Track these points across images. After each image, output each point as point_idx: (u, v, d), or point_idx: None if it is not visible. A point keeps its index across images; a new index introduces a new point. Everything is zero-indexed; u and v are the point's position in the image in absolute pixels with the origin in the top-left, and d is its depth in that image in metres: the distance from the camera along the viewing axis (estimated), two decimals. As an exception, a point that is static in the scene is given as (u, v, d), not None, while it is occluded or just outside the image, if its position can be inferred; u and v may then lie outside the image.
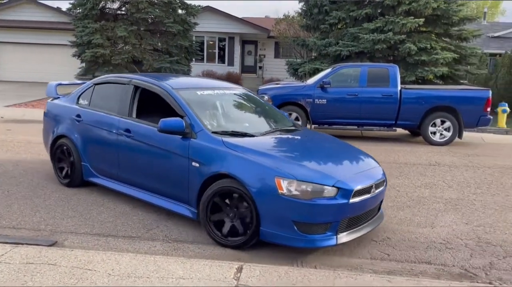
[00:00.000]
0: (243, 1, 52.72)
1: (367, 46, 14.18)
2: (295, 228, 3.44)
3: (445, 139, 9.80)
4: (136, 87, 4.81)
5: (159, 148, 4.25)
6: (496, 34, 23.31)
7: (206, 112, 4.44)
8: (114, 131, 4.71)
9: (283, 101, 10.14)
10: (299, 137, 4.65)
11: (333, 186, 3.49)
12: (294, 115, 10.02)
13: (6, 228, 4.04)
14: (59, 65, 21.00)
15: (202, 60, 23.03)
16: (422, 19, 13.70)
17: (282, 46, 23.93)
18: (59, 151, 5.40)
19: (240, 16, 24.05)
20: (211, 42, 23.93)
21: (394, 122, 9.95)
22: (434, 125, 9.82)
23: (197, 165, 3.89)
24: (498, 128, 12.81)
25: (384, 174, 4.20)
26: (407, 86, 10.68)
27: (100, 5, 16.40)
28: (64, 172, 5.37)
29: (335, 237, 3.54)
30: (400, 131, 11.23)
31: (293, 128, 4.87)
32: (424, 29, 14.80)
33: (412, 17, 13.67)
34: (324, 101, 10.08)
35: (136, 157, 4.53)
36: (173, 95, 4.37)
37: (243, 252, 3.72)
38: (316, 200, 3.43)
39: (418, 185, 6.14)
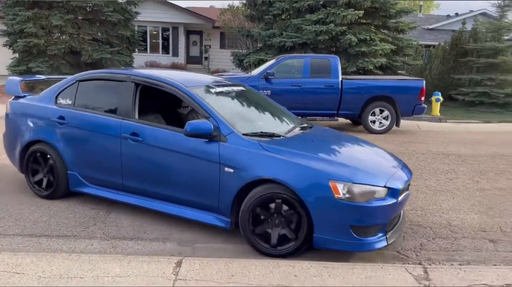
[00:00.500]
0: (187, -10, 51.69)
1: (310, 37, 14.42)
2: (352, 232, 3.32)
3: (384, 127, 10.24)
4: (137, 85, 4.25)
5: (179, 153, 3.81)
6: (431, 27, 24.54)
7: (225, 111, 3.99)
8: (115, 135, 4.13)
9: (228, 93, 10.09)
10: (323, 135, 4.53)
11: (384, 186, 3.43)
12: (239, 106, 10.01)
13: None
14: (-12, 55, 19.54)
15: (145, 50, 22.40)
16: (362, 11, 14.12)
17: (227, 37, 23.78)
18: (33, 159, 4.68)
19: (184, 6, 23.61)
20: (154, 32, 23.30)
21: (336, 112, 10.24)
22: (374, 114, 10.22)
23: (231, 170, 3.57)
24: (432, 116, 13.55)
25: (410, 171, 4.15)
26: (348, 76, 11.00)
27: (33, -8, 15.40)
28: (44, 183, 4.64)
29: (385, 237, 3.48)
30: (342, 120, 11.60)
31: (306, 125, 4.68)
32: (364, 21, 15.27)
33: (352, 9, 14.06)
34: (269, 92, 10.14)
35: (147, 163, 4.01)
36: (190, 94, 3.95)
37: (187, 247, 3.69)
38: (372, 202, 3.34)
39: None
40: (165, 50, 23.45)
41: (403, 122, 10.78)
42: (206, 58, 24.87)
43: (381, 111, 10.21)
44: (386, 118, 10.22)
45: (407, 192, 3.78)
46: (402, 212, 4.00)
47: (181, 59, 23.08)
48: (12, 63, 15.87)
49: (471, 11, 25.05)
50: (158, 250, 3.60)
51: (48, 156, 4.57)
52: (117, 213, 4.33)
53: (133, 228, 4.03)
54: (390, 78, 11.54)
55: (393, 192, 3.46)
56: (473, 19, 19.66)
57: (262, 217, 3.50)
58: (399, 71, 16.53)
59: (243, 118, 4.22)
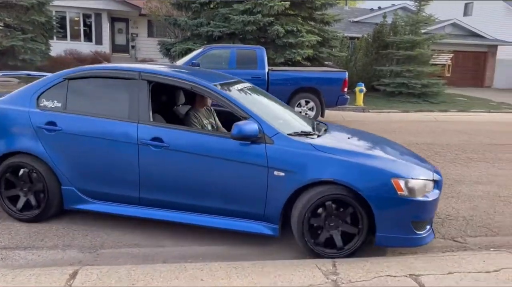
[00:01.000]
0: (114, -25, 49.11)
1: (238, 28, 14.26)
2: (412, 227, 3.35)
3: (310, 118, 10.40)
4: (149, 83, 3.78)
5: (217, 158, 3.47)
6: (356, 19, 25.40)
7: (259, 111, 3.70)
8: (130, 142, 3.61)
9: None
10: (349, 131, 4.44)
11: (432, 179, 3.51)
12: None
13: None
14: None
15: (65, 37, 20.97)
16: (288, 2, 14.18)
17: (155, 25, 22.93)
18: (8, 175, 3.89)
19: (107, -9, 22.34)
20: (76, 18, 21.87)
21: (262, 103, 10.21)
22: (300, 105, 10.34)
23: (282, 174, 3.35)
24: (356, 106, 14.01)
25: None
26: (274, 68, 11.03)
27: None
28: (22, 203, 3.88)
29: (432, 230, 3.57)
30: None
31: (318, 121, 4.58)
32: (291, 12, 15.35)
33: (279, 0, 14.08)
34: (194, 83, 9.87)
35: (174, 172, 3.60)
36: (222, 93, 3.65)
37: (89, 253, 3.40)
38: (427, 195, 3.40)
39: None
40: (88, 37, 22.11)
41: (328, 113, 11.02)
42: (133, 47, 23.83)
43: (307, 102, 10.34)
44: (311, 109, 10.37)
45: None
46: None
47: (105, 47, 21.90)
48: None
49: (393, 5, 26.29)
50: (56, 260, 3.28)
51: (32, 170, 3.83)
52: (11, 220, 3.91)
53: (29, 235, 3.66)
54: (315, 69, 11.73)
55: (437, 185, 3.60)
56: (393, 13, 20.59)
57: (319, 220, 3.38)
58: (327, 63, 16.92)
59: (274, 117, 3.90)
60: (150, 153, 3.58)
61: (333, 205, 3.34)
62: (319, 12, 15.88)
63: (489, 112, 14.69)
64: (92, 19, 21.85)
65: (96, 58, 17.36)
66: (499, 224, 4.42)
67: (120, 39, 24.34)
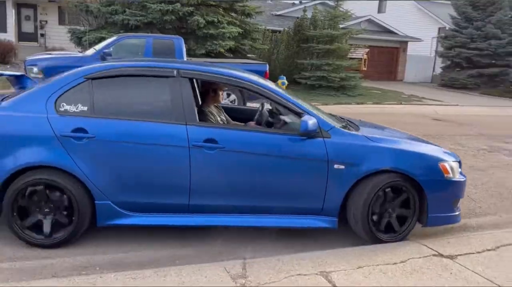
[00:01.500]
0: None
1: (156, 17, 13.66)
2: (452, 206, 3.77)
3: (230, 111, 10.21)
4: (190, 80, 3.57)
5: (277, 156, 3.42)
6: (278, 13, 25.65)
7: (305, 105, 3.77)
8: (180, 145, 3.30)
9: (57, 75, 8.90)
10: (372, 123, 4.74)
11: (458, 161, 3.92)
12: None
13: None
14: None
15: (-40, 23, 18.77)
16: (209, -8, 13.88)
17: (67, 12, 21.30)
18: (27, 195, 3.23)
19: (11, -27, 20.31)
20: (-26, 2, 19.63)
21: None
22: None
23: (342, 167, 3.44)
24: (278, 99, 14.10)
25: None
26: (193, 59, 10.69)
27: None
28: (47, 227, 3.26)
29: (459, 208, 3.92)
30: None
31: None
32: (212, 2, 15.04)
33: (199, -11, 13.72)
34: (107, 74, 9.22)
35: (231, 174, 3.41)
36: (273, 90, 3.64)
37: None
38: (459, 176, 3.81)
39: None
40: (-12, 24, 19.98)
41: (252, 104, 10.92)
42: (42, 35, 21.96)
43: (228, 95, 10.14)
44: (233, 101, 10.19)
45: None
46: None
47: (10, 35, 19.90)
48: None
49: None
50: None
51: (56, 187, 3.25)
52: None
53: None
54: (235, 61, 11.57)
55: (460, 166, 3.95)
56: (313, 7, 21.04)
57: (382, 207, 3.59)
58: (250, 55, 16.84)
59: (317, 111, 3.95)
60: (203, 156, 3.35)
61: (391, 192, 3.58)
62: (240, 4, 15.73)
63: (401, 104, 15.58)
64: (-7, 4, 19.76)
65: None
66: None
67: (28, 27, 22.30)
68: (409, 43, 26.05)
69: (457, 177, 3.75)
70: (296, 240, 3.72)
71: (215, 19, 14.17)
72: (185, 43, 12.30)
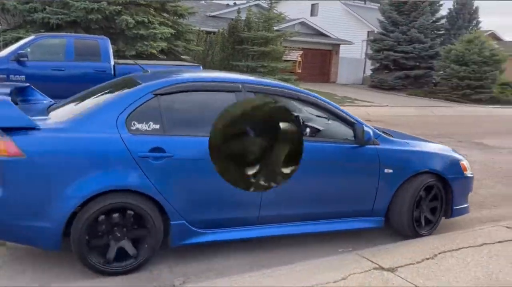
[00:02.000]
0: None
1: (79, 15, 12.75)
2: (467, 199, 4.37)
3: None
4: (255, 95, 3.55)
5: (342, 165, 3.75)
6: (212, 14, 25.30)
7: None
8: None
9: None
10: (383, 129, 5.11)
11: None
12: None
13: None
14: None
15: None
16: (138, -9, 13.22)
17: (-20, 9, 19.44)
18: (113, 222, 3.08)
19: None
20: None
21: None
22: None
23: (391, 171, 3.84)
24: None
25: None
26: (120, 61, 10.08)
27: None
28: (113, 252, 3.09)
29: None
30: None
31: None
32: (142, 2, 14.36)
33: (127, -13, 13.01)
34: (23, 77, 8.39)
35: (299, 184, 3.38)
36: (328, 102, 3.86)
37: None
38: (471, 172, 4.42)
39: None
40: None
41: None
42: (-50, 34, 19.87)
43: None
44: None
45: None
46: None
47: None
48: None
49: (248, 1, 26.90)
50: None
51: (132, 209, 3.10)
52: None
53: None
54: (167, 63, 11.14)
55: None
56: (247, 9, 20.96)
57: (422, 204, 4.05)
58: (184, 57, 16.34)
59: None
60: None
61: (424, 191, 4.01)
62: (172, 4, 15.18)
63: (335, 105, 15.88)
64: None
65: None
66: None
67: None
68: (341, 45, 26.86)
69: (470, 174, 4.36)
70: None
71: (145, 19, 13.53)
72: (114, 44, 11.60)
